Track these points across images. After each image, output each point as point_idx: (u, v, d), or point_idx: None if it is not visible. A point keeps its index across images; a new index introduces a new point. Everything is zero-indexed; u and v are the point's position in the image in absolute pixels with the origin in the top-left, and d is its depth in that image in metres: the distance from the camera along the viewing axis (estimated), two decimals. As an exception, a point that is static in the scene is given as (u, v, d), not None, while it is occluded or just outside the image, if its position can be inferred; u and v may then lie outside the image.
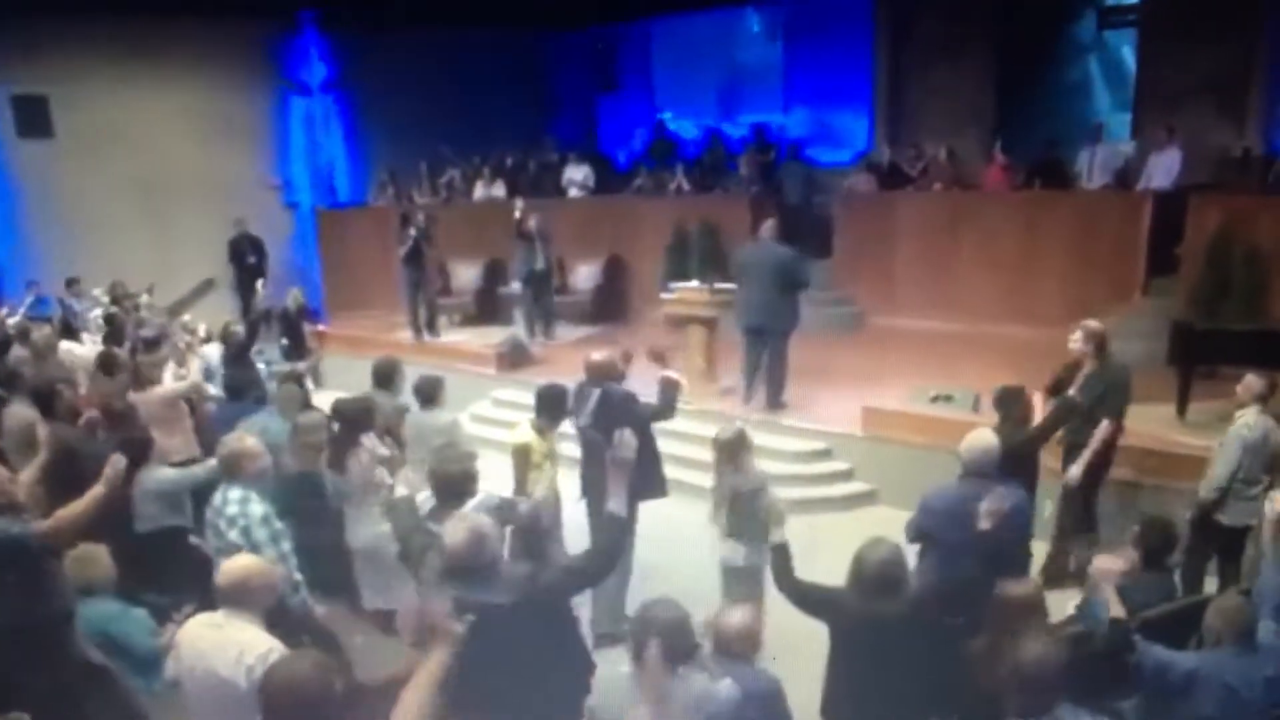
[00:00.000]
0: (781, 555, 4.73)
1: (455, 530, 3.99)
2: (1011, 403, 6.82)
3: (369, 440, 5.15)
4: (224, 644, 3.86)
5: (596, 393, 5.18)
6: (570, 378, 7.72)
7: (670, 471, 7.29)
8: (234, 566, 4.09)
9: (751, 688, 3.96)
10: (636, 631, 3.74)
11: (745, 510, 6.07)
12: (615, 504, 4.19)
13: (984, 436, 5.53)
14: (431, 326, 14.55)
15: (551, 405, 6.91)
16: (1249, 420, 6.65)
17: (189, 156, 16.86)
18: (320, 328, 13.93)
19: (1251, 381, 6.76)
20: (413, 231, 13.91)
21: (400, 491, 4.66)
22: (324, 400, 8.09)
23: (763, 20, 18.81)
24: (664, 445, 7.33)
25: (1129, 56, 15.22)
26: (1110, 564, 4.53)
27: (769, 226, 10.50)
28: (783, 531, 4.80)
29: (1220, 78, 13.35)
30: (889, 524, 8.12)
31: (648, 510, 6.84)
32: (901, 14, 16.64)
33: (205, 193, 16.81)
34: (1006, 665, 3.69)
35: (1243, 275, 10.35)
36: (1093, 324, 7.61)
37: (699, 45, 20.00)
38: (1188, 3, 13.51)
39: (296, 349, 12.30)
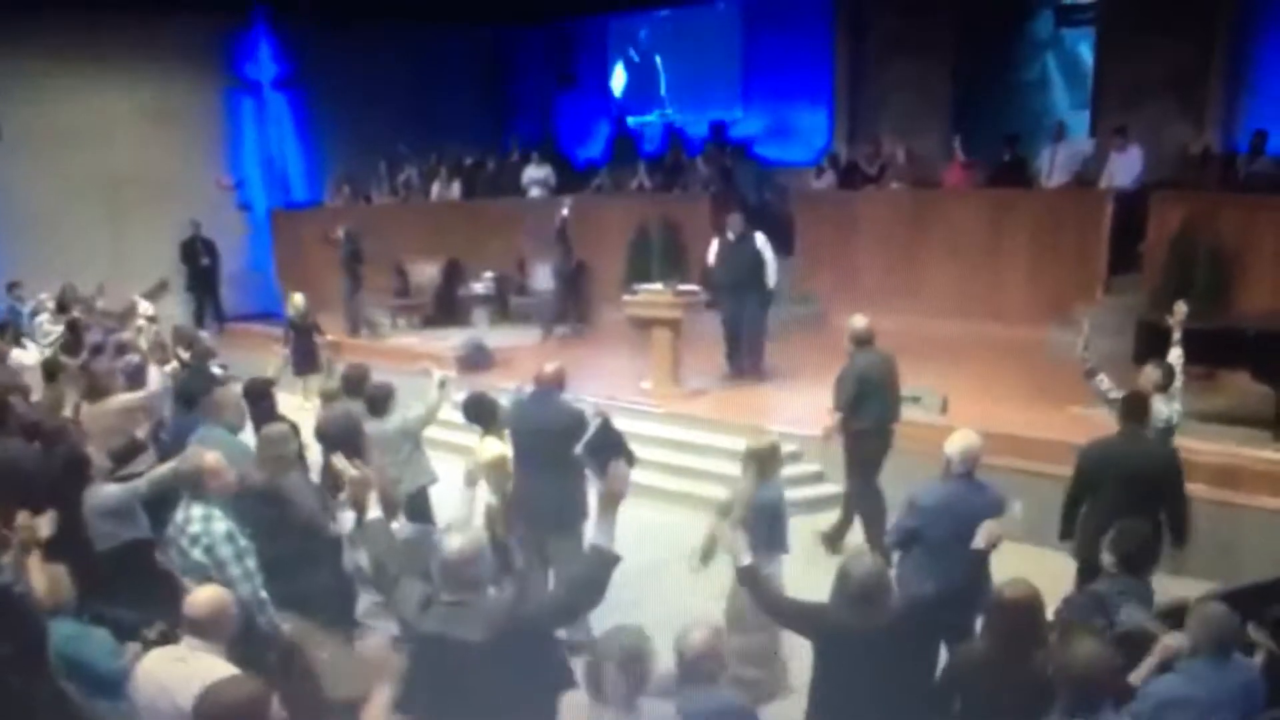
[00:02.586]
0: (749, 577, 4.67)
1: (454, 539, 3.92)
2: (1140, 410, 6.57)
3: (339, 461, 5.00)
4: (189, 677, 3.72)
5: (599, 420, 5.10)
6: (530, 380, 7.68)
7: (643, 477, 7.21)
8: (203, 597, 3.97)
9: (713, 710, 3.90)
10: (595, 658, 3.66)
11: (770, 522, 6.05)
12: (603, 536, 4.08)
13: (968, 437, 5.61)
14: (370, 326, 15.12)
15: (488, 413, 6.92)
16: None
17: (140, 156, 16.58)
18: (331, 338, 13.55)
19: (1149, 372, 6.94)
20: (342, 239, 14.54)
21: (372, 514, 4.50)
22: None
23: (721, 16, 18.71)
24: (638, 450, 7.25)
25: (1087, 54, 15.29)
26: (1179, 641, 4.37)
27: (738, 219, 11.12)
28: (746, 556, 4.74)
29: (1179, 75, 13.44)
30: (859, 526, 8.14)
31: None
32: (860, 10, 16.66)
33: (157, 193, 16.54)
34: (1056, 663, 3.76)
35: (1206, 273, 10.41)
36: (854, 320, 8.10)
37: (657, 42, 19.94)
38: (1144, 1, 13.58)
39: (308, 362, 11.96)
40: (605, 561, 4.05)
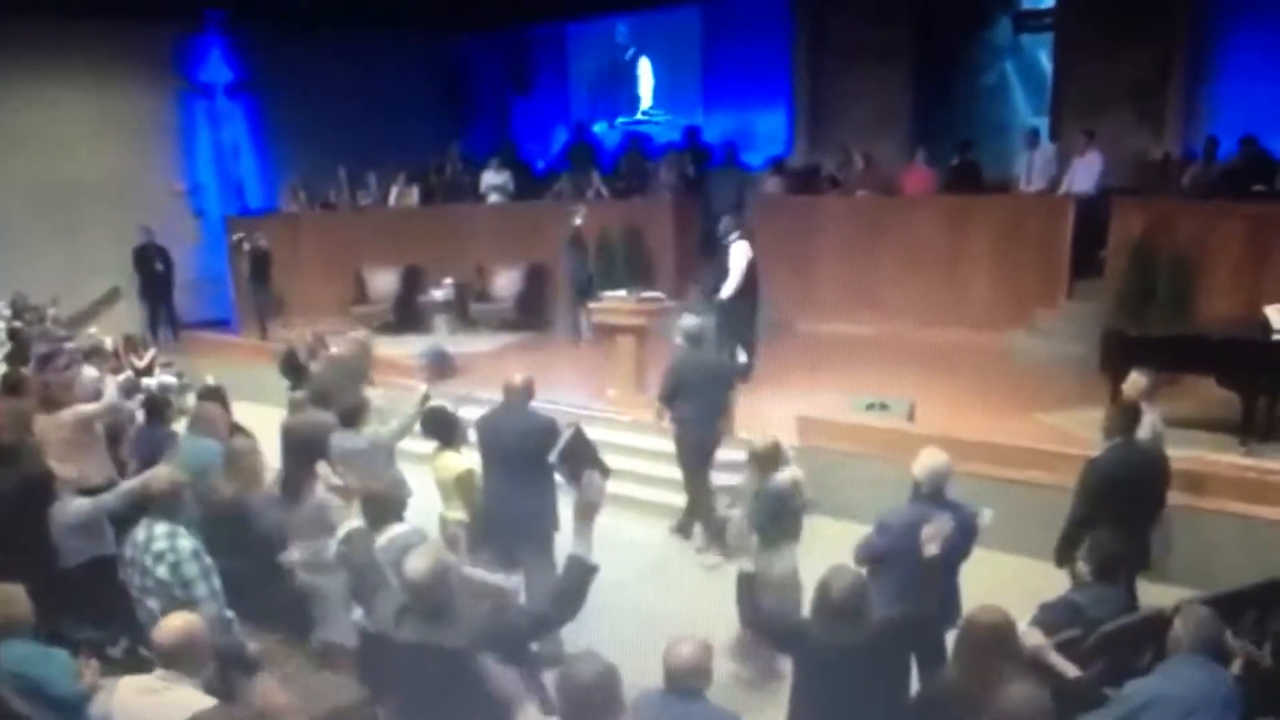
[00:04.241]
0: (747, 585, 4.60)
1: (417, 563, 3.79)
2: (1135, 418, 6.54)
3: (322, 468, 4.89)
4: (164, 709, 3.60)
5: (570, 430, 5.02)
6: (493, 387, 7.59)
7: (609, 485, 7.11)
8: (175, 625, 3.85)
9: None
10: (559, 689, 3.55)
11: (780, 517, 6.14)
12: (581, 547, 4.01)
13: (935, 456, 5.55)
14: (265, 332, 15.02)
15: (447, 427, 6.85)
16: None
17: (91, 162, 16.24)
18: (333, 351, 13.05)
19: (1135, 379, 7.00)
20: (247, 248, 14.74)
21: (354, 523, 4.40)
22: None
23: (680, 22, 18.65)
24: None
25: (1046, 60, 15.36)
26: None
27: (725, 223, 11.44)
28: (750, 561, 4.71)
29: (1138, 82, 13.51)
30: (827, 534, 8.11)
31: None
32: (819, 17, 16.63)
33: (109, 199, 16.20)
34: (989, 708, 3.61)
35: (1168, 279, 10.47)
36: (682, 319, 8.75)
37: (615, 47, 19.86)
38: (1103, 7, 13.65)
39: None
40: (583, 572, 4.00)
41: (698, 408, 8.37)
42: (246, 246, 14.71)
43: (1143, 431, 6.68)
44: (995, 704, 3.59)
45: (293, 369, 9.53)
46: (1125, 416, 6.43)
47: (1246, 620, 4.93)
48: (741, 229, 11.51)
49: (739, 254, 11.19)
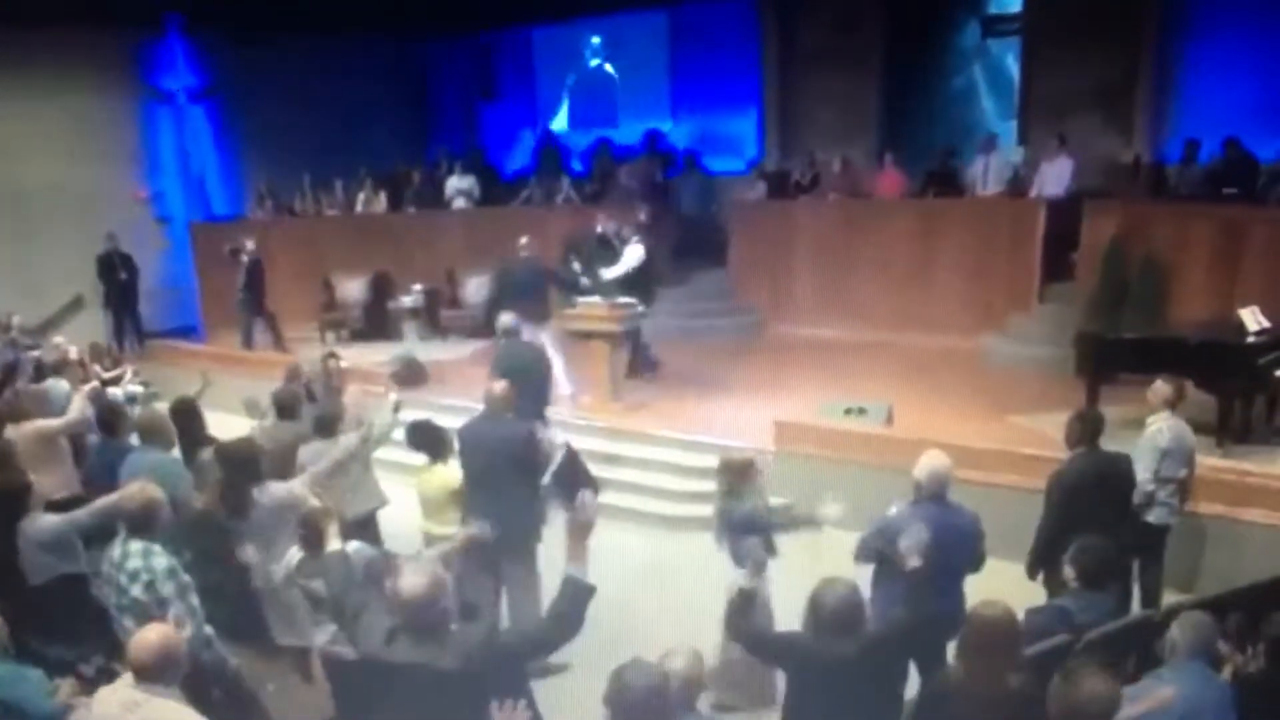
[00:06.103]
0: (746, 601, 4.54)
1: (412, 579, 3.69)
2: (1099, 428, 6.48)
3: (280, 487, 4.78)
4: None
5: (562, 451, 4.93)
6: (464, 394, 7.49)
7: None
8: (149, 638, 3.71)
9: None
10: (612, 699, 3.48)
11: (752, 536, 5.98)
12: (577, 568, 3.94)
13: (937, 458, 5.49)
14: (278, 341, 14.72)
15: (435, 441, 6.76)
16: (1160, 427, 6.75)
17: (52, 169, 15.99)
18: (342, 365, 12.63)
19: (1160, 387, 6.92)
20: (244, 258, 14.35)
21: (332, 546, 4.30)
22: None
23: (648, 27, 18.61)
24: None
25: (1012, 64, 15.42)
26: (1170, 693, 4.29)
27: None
28: (756, 579, 4.65)
29: (1105, 86, 13.59)
30: (807, 538, 8.04)
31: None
32: (786, 22, 16.65)
33: (71, 206, 15.96)
34: (1057, 702, 3.56)
35: (1140, 281, 10.51)
36: (501, 317, 9.35)
37: (582, 52, 19.81)
38: (1069, 12, 13.72)
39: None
40: (580, 593, 3.94)
41: (523, 399, 8.38)
42: (244, 258, 14.42)
43: (1163, 438, 6.68)
44: (1064, 696, 3.54)
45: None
46: (1086, 426, 6.40)
47: (1232, 624, 4.91)
48: (641, 235, 11.78)
49: (633, 254, 11.48)
